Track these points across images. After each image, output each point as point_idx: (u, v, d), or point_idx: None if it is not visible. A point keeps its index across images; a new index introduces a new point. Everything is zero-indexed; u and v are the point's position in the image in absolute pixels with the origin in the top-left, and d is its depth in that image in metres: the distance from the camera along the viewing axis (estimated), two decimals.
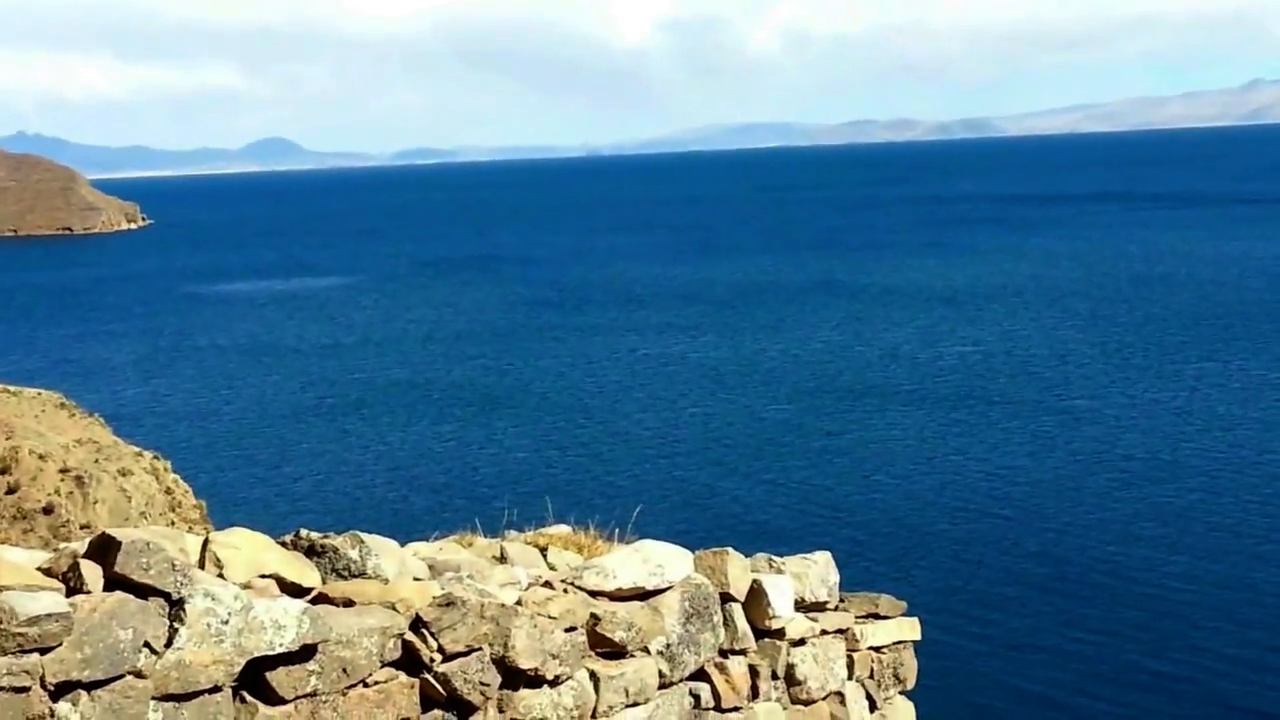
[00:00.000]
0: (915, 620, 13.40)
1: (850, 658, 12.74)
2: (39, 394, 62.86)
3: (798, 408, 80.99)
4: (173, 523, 51.20)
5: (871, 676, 12.91)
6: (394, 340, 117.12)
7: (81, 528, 52.88)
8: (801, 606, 12.40)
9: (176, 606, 8.60)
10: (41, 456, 55.38)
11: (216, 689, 8.73)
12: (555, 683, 10.34)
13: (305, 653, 9.09)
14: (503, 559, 11.92)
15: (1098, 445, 68.56)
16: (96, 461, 56.61)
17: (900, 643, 13.20)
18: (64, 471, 55.11)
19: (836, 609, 12.82)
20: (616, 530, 12.83)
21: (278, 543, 10.09)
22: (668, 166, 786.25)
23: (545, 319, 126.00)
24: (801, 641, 12.26)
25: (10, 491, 54.36)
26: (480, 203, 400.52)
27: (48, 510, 53.87)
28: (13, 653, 7.91)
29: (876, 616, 13.13)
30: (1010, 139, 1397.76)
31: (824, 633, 12.49)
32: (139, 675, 8.36)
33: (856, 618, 12.95)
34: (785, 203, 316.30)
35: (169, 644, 8.55)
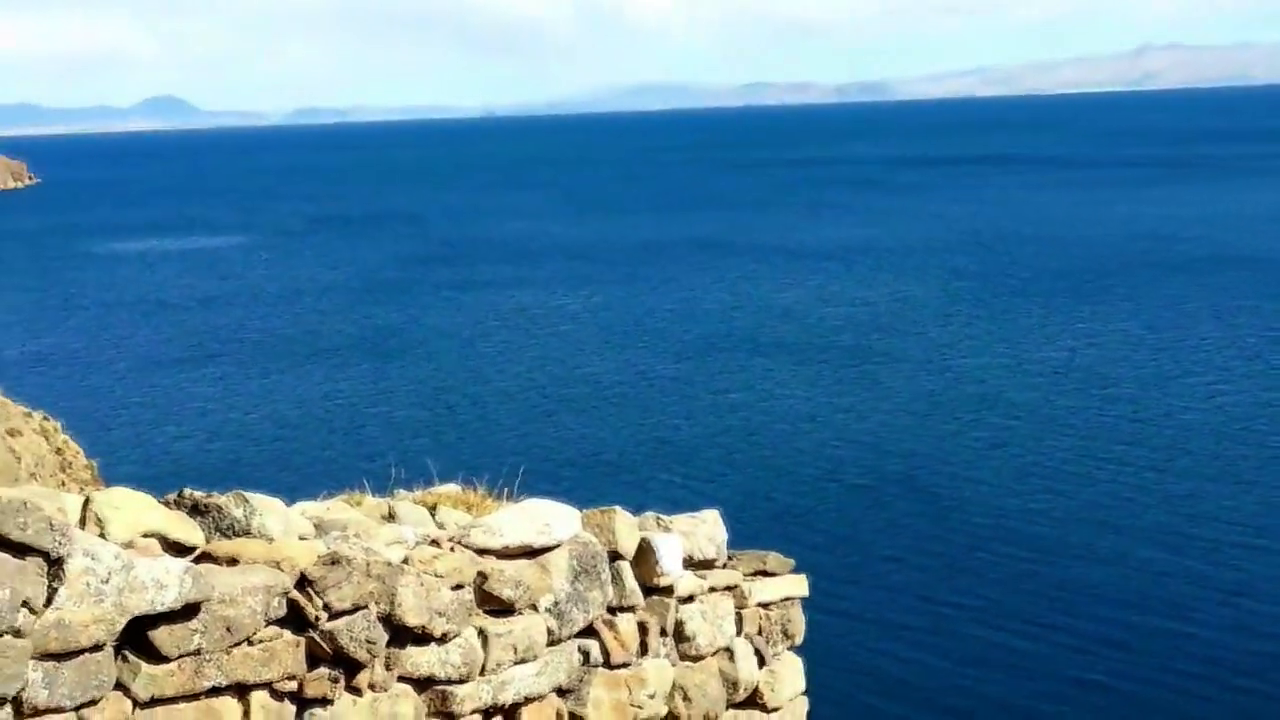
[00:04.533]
0: (803, 577, 13.55)
1: (739, 614, 12.88)
2: None
3: (687, 366, 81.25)
4: (63, 484, 50.44)
5: (760, 633, 13.05)
6: (286, 297, 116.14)
7: None
8: (690, 564, 12.51)
9: (55, 566, 8.54)
10: None
11: (98, 648, 8.70)
12: (443, 640, 10.39)
13: (188, 611, 9.08)
14: (391, 518, 11.93)
15: (980, 403, 69.42)
16: None
17: (788, 599, 13.35)
18: None
19: (725, 566, 12.95)
20: (505, 489, 12.84)
21: (161, 502, 10.04)
22: (563, 128, 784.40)
23: (437, 276, 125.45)
24: (690, 599, 12.37)
25: None
26: (377, 162, 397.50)
27: None
28: None
29: (764, 573, 13.26)
30: (907, 102, 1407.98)
31: (712, 590, 12.60)
32: (17, 634, 8.31)
33: (745, 575, 13.08)
34: (679, 164, 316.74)
35: (48, 603, 8.50)
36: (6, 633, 8.27)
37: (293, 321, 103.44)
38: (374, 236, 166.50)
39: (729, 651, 12.67)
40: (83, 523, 9.33)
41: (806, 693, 13.39)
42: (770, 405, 71.03)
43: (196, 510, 10.15)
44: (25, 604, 8.35)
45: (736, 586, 12.87)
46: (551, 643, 11.11)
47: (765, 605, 13.11)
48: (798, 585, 13.43)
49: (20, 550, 8.36)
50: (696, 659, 12.36)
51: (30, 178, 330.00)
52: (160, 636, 8.96)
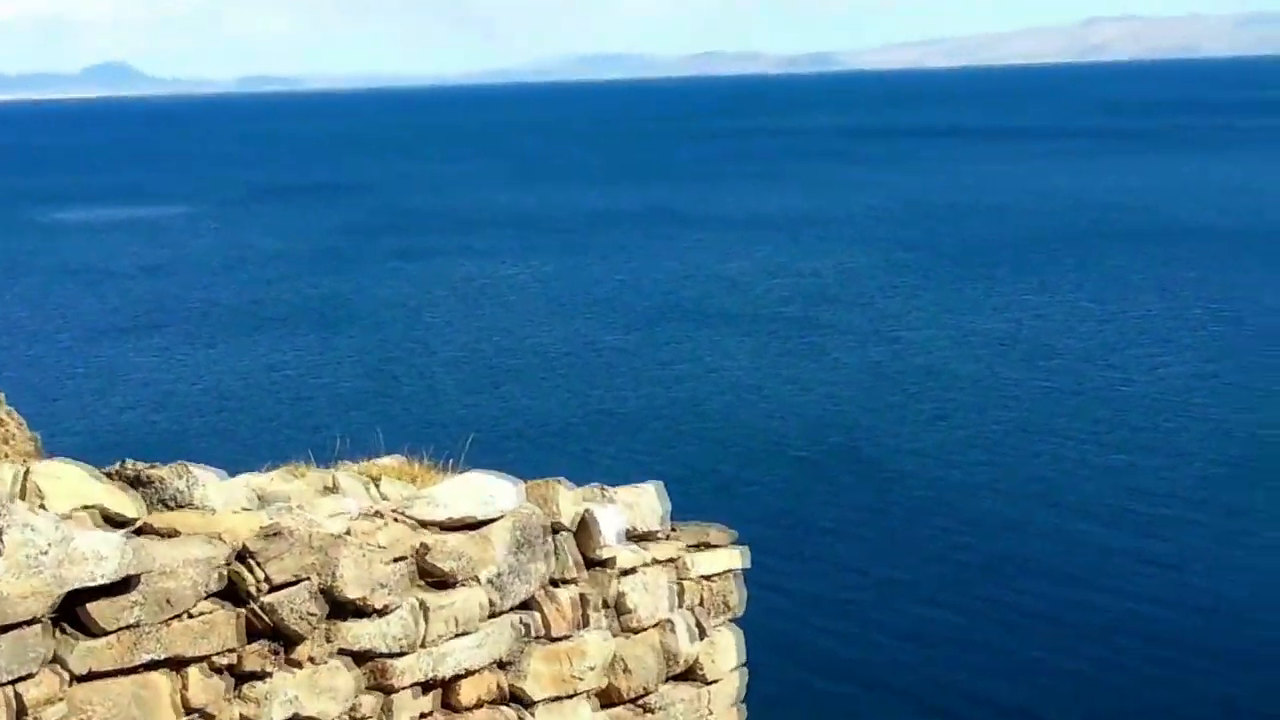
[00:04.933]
0: (745, 549, 13.57)
1: (680, 586, 12.89)
2: None
3: (633, 337, 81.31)
4: (6, 456, 49.88)
5: (701, 604, 13.08)
6: (231, 267, 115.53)
7: None
8: (632, 536, 12.53)
9: None
10: None
11: (34, 621, 8.65)
12: (383, 613, 10.39)
13: (127, 584, 9.04)
14: (334, 489, 11.91)
15: (925, 375, 69.81)
16: None
17: (729, 571, 13.37)
18: None
19: (667, 538, 12.96)
20: (450, 461, 12.84)
21: (103, 473, 10.01)
22: (514, 97, 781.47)
23: (384, 245, 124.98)
24: (631, 571, 12.39)
25: None
26: (325, 131, 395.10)
27: None
28: None
29: (706, 545, 13.28)
30: (855, 73, 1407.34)
31: (654, 562, 12.61)
32: None
33: (687, 546, 13.09)
34: (629, 134, 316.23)
35: None
36: None
37: (238, 291, 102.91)
38: (321, 205, 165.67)
39: (669, 623, 12.70)
40: (22, 494, 9.29)
41: (745, 665, 13.47)
42: (716, 377, 71.23)
43: (138, 482, 10.11)
44: None
45: (678, 559, 12.88)
46: (492, 615, 11.13)
47: (706, 577, 13.14)
48: (739, 558, 13.47)
49: None
50: (637, 631, 12.39)
51: None
52: (99, 609, 8.93)
